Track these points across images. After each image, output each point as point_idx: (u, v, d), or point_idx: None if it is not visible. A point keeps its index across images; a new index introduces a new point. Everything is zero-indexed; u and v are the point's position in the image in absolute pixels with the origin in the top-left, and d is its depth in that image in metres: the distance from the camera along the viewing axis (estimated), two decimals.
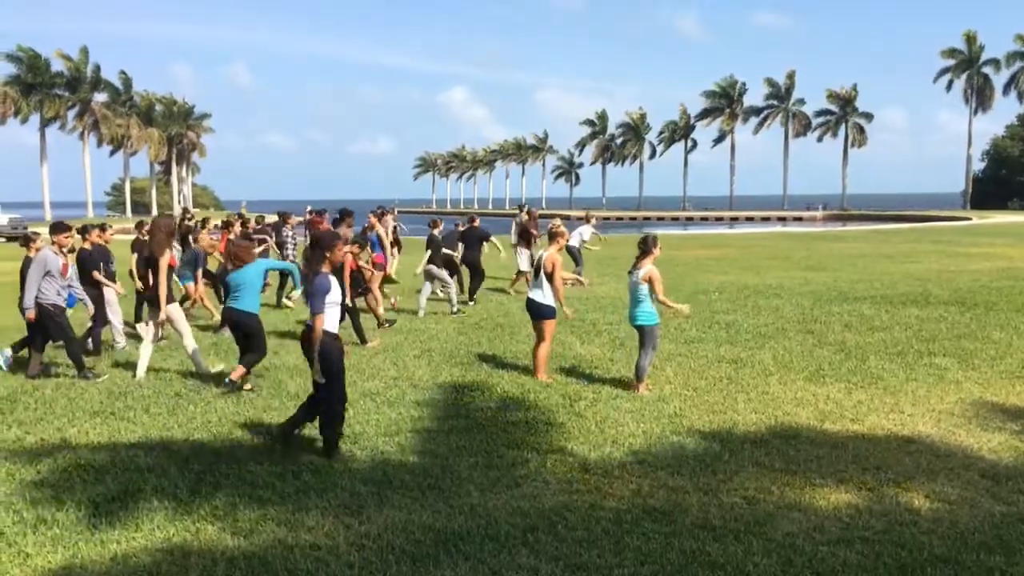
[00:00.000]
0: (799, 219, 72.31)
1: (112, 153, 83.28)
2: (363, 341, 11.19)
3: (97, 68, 75.65)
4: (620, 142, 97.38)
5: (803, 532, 5.04)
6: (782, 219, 72.90)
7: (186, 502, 5.63)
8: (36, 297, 9.35)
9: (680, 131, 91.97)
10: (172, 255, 9.96)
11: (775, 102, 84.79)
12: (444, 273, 14.41)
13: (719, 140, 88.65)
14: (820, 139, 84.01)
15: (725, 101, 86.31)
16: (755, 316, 13.41)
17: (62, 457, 6.60)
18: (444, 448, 6.76)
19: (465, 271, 16.10)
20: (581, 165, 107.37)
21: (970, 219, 53.27)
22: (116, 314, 11.53)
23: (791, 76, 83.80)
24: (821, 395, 8.36)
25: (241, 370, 8.65)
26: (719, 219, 76.39)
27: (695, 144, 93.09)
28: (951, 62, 73.87)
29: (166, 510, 5.49)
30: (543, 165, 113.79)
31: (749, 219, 75.12)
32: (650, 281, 8.51)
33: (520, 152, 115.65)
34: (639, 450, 6.66)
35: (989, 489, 5.74)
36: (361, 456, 6.61)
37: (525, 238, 16.88)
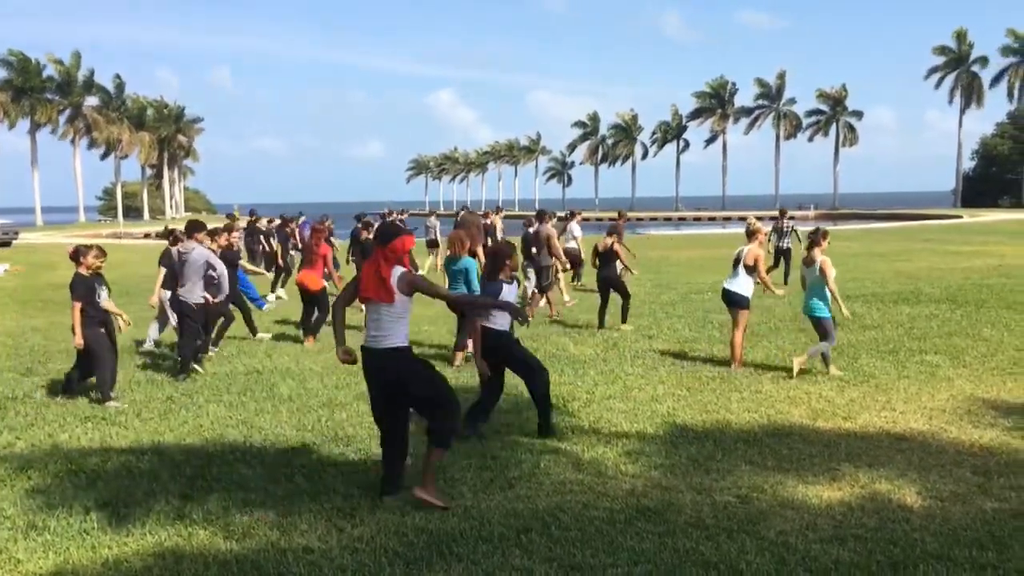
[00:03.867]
0: (791, 218, 72.31)
1: (103, 157, 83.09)
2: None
3: (91, 72, 75.49)
4: (612, 143, 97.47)
5: (796, 530, 5.04)
6: (774, 218, 72.96)
7: (178, 506, 5.60)
8: None
9: (672, 132, 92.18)
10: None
11: (766, 102, 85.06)
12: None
13: (711, 140, 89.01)
14: (811, 139, 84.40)
15: (716, 101, 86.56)
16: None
17: (53, 462, 6.57)
18: None
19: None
20: (573, 166, 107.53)
21: (961, 217, 53.49)
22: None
23: (781, 76, 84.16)
24: (814, 393, 8.38)
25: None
26: (712, 219, 76.44)
27: (687, 145, 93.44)
28: (941, 60, 74.15)
29: (158, 515, 5.46)
30: (536, 166, 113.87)
31: (742, 219, 74.97)
32: (823, 272, 9.19)
33: (512, 154, 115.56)
34: (632, 450, 6.66)
35: (981, 485, 5.75)
36: (354, 458, 6.59)
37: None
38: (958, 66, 73.52)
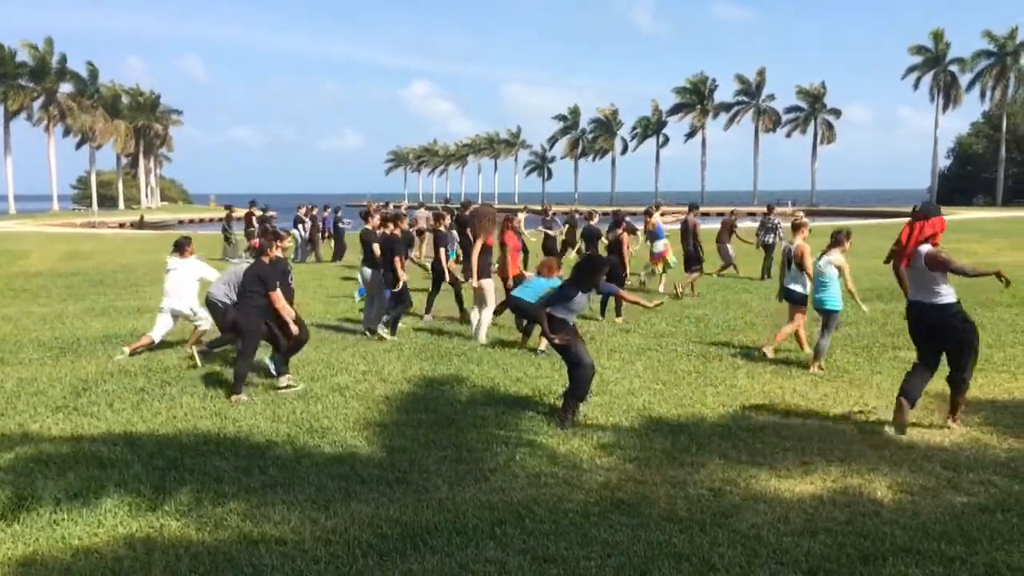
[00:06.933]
0: (778, 215, 72.63)
1: (78, 146, 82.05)
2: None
3: (63, 58, 74.43)
4: (591, 137, 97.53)
5: (768, 523, 5.08)
6: (752, 215, 73.36)
7: (150, 497, 5.56)
8: None
9: (652, 126, 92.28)
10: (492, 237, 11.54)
11: (745, 98, 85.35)
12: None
13: (690, 136, 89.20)
14: (789, 135, 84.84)
15: (696, 97, 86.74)
16: (724, 311, 13.51)
17: (23, 452, 6.50)
18: (412, 442, 6.74)
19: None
20: (553, 160, 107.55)
21: None
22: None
23: (761, 72, 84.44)
24: (788, 388, 8.44)
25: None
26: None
27: (667, 140, 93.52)
28: (918, 59, 74.70)
29: (129, 505, 5.42)
30: (515, 160, 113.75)
31: (719, 215, 75.42)
32: (840, 269, 9.32)
33: (492, 147, 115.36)
34: (608, 443, 6.68)
35: (950, 480, 5.83)
36: (328, 450, 6.57)
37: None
38: (935, 66, 74.11)
